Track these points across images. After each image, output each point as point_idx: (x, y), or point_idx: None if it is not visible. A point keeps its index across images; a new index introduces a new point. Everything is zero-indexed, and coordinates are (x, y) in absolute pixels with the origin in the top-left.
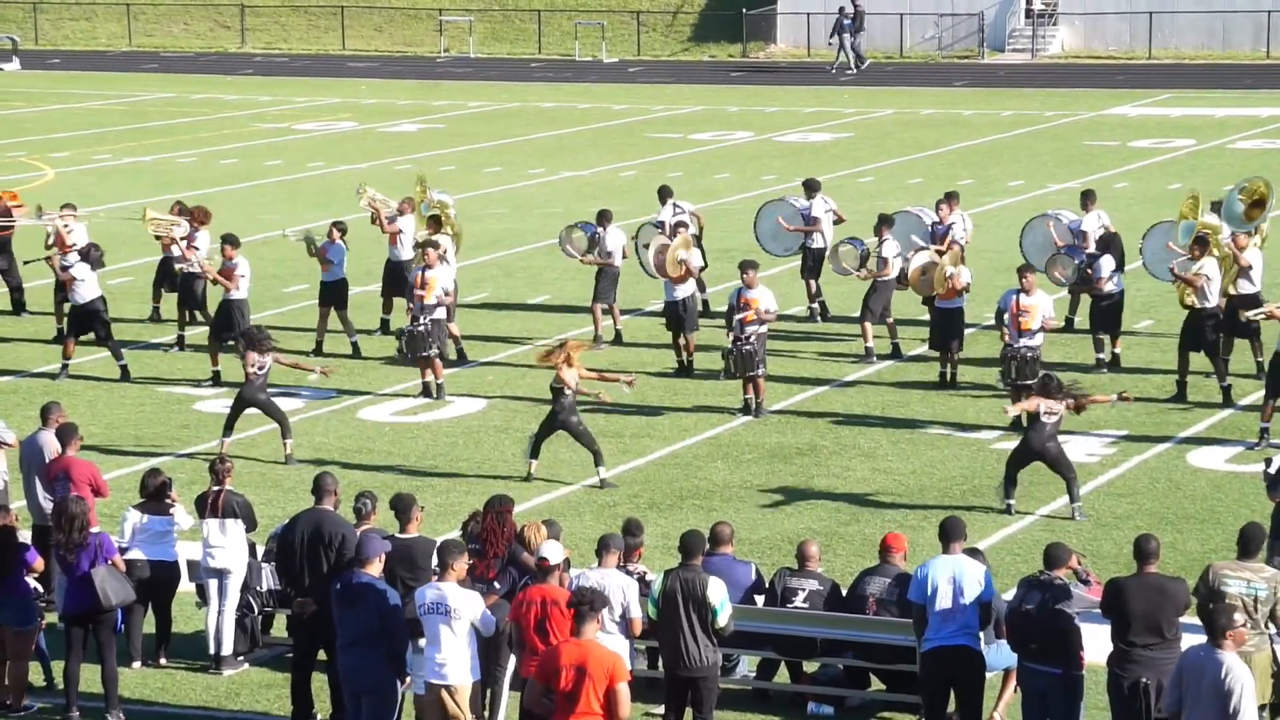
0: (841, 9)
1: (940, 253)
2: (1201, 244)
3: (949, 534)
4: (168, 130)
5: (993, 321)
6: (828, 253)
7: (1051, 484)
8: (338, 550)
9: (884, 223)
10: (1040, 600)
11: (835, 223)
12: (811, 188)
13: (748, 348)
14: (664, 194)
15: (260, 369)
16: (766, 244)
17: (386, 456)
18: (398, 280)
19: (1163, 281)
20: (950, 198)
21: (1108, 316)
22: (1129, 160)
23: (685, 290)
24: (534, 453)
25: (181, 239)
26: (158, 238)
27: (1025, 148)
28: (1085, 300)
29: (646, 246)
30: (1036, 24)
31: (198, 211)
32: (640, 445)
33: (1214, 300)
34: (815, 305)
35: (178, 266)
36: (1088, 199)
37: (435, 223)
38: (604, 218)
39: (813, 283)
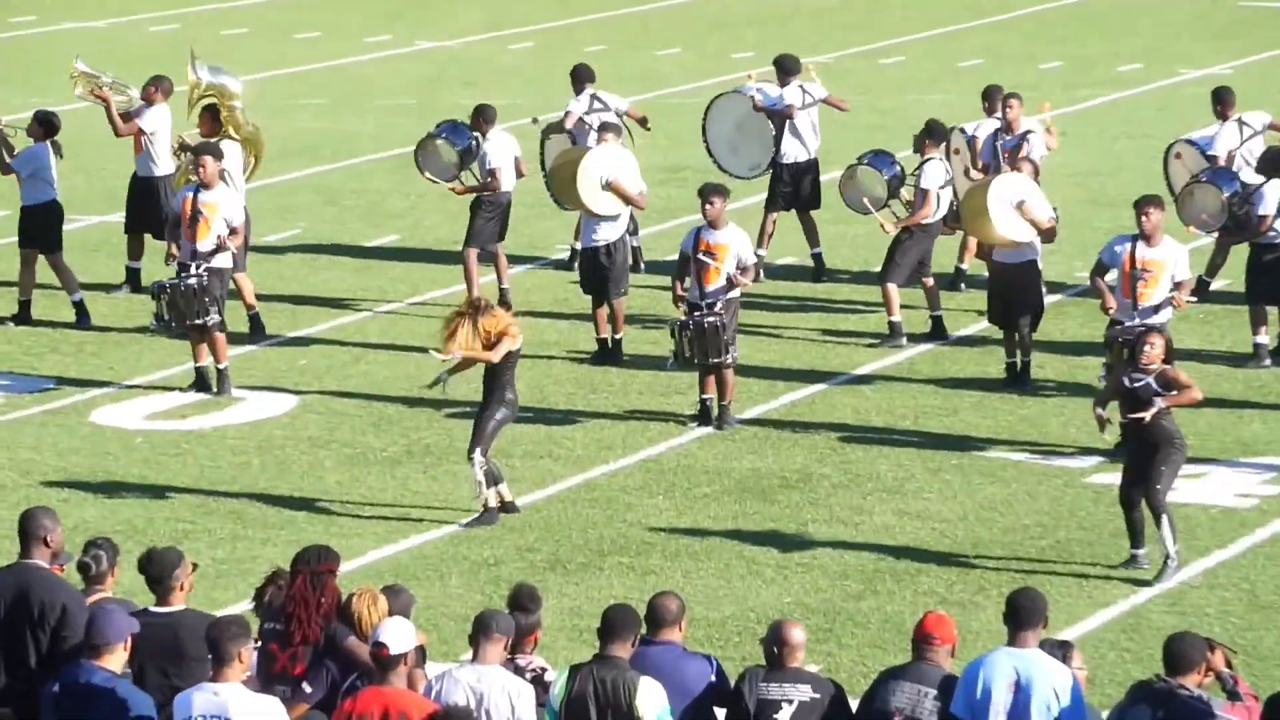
0: None
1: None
2: None
3: (1019, 616)
4: None
5: (1088, 283)
6: (840, 177)
7: (1182, 540)
8: (54, 630)
9: (930, 134)
10: None
11: (823, 102)
12: (785, 71)
13: (710, 320)
14: (580, 77)
15: None
16: (725, 160)
17: (137, 483)
18: (149, 208)
19: None
20: (989, 99)
21: (1274, 277)
22: None
23: (611, 231)
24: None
25: None
26: None
27: (1147, 10)
28: (1237, 253)
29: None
30: None
31: None
32: (537, 470)
33: None
34: (762, 253)
35: None
36: (1220, 102)
37: (211, 117)
38: (483, 117)
39: (771, 219)
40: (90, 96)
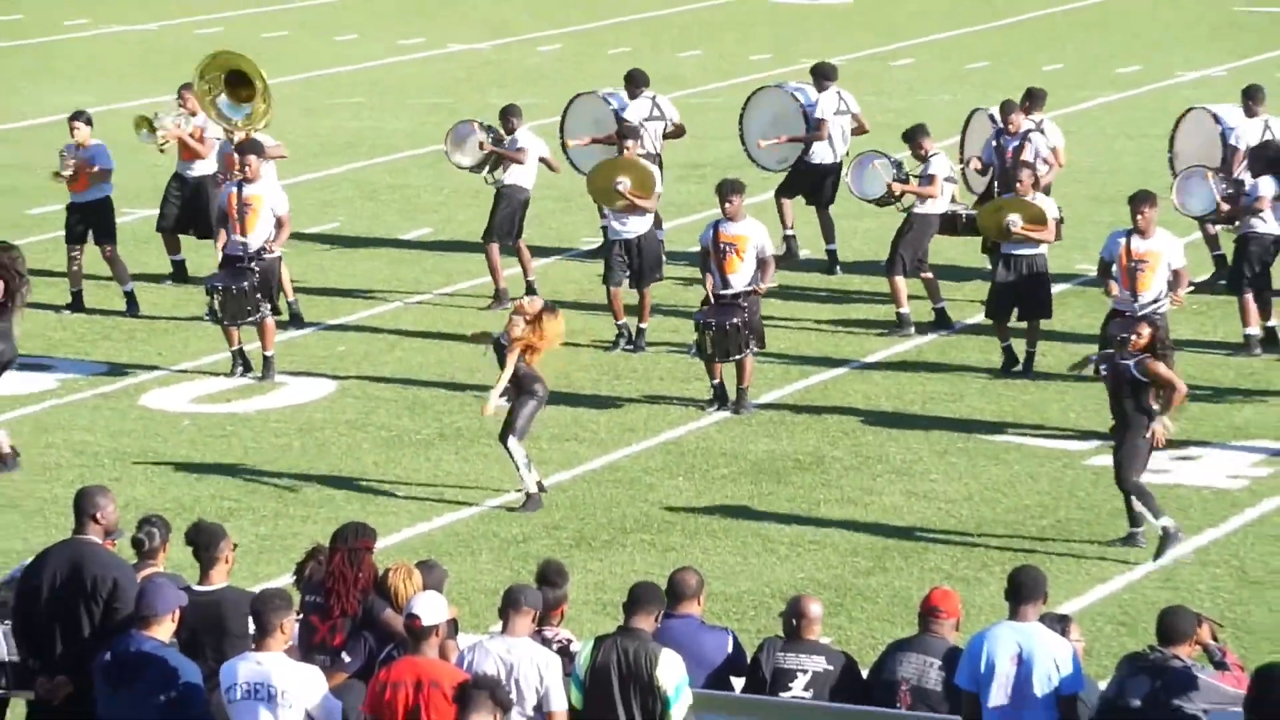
0: None
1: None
2: None
3: (1019, 591)
4: None
5: (1093, 275)
6: (847, 170)
7: (1176, 518)
8: (106, 603)
9: (918, 133)
10: (1150, 690)
11: (855, 131)
12: (823, 76)
13: (734, 322)
14: (635, 81)
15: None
16: (755, 151)
17: (184, 463)
18: (200, 207)
19: None
20: (1031, 99)
21: (1254, 265)
22: None
23: (640, 224)
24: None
25: None
26: None
27: (1145, 15)
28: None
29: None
30: None
31: None
32: (564, 452)
33: None
34: (791, 233)
35: None
36: (1252, 98)
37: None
38: (512, 115)
39: (785, 202)
40: (170, 139)
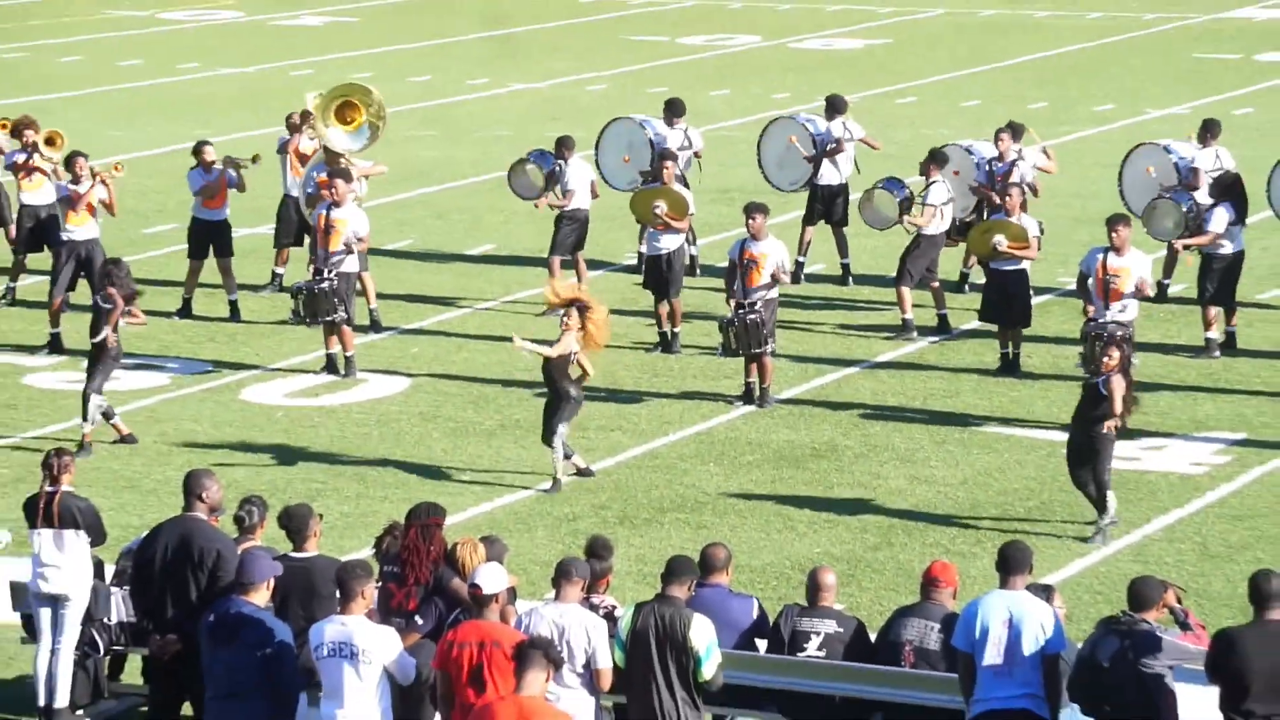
0: None
1: (1001, 201)
2: None
3: (1008, 564)
4: None
5: (1073, 287)
6: (859, 199)
7: (1146, 501)
8: (211, 571)
9: (933, 160)
10: (1118, 650)
11: (863, 141)
12: (835, 107)
13: (752, 318)
14: (672, 110)
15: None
16: (771, 173)
17: (278, 450)
18: (300, 222)
19: None
20: (1013, 131)
21: (1218, 283)
22: (1255, 79)
23: (672, 241)
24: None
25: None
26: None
27: (1117, 61)
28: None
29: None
30: None
31: (26, 124)
32: (609, 441)
33: None
34: (802, 260)
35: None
36: (1209, 131)
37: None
38: (565, 146)
39: (809, 230)
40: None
